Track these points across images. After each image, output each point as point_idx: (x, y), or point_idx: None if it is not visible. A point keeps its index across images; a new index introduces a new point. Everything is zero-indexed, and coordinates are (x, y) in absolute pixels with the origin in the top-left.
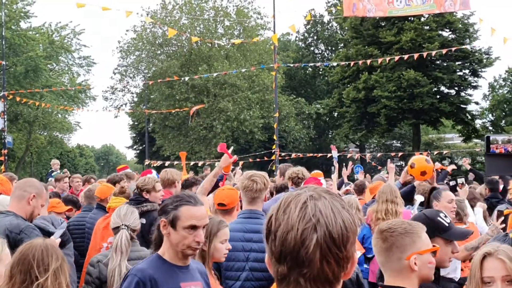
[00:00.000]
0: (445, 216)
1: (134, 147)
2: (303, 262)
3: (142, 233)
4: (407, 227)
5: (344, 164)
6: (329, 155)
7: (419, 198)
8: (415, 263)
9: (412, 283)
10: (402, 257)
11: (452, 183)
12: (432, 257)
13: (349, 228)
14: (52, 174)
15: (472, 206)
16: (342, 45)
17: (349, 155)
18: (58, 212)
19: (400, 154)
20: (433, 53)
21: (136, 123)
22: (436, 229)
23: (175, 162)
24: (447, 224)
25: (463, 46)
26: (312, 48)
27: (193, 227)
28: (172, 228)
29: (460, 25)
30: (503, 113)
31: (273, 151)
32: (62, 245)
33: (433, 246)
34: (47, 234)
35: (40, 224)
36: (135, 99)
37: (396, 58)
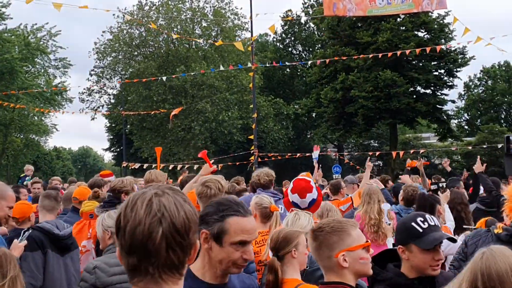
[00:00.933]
0: (423, 221)
1: (112, 149)
2: (151, 252)
3: None
4: (335, 225)
5: (322, 165)
6: (307, 154)
7: (386, 207)
8: (344, 260)
9: (347, 279)
10: (331, 255)
11: (433, 187)
12: (365, 253)
13: (191, 219)
14: (26, 179)
15: (459, 211)
16: (319, 45)
17: (321, 153)
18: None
19: (377, 153)
20: (407, 52)
21: (113, 125)
22: (408, 235)
23: (153, 165)
24: (421, 230)
25: (438, 46)
26: (290, 49)
27: (243, 243)
28: (215, 243)
29: (435, 26)
30: (479, 112)
31: (251, 152)
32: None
33: (366, 242)
34: (53, 236)
35: (46, 226)
36: (112, 101)
37: (371, 56)
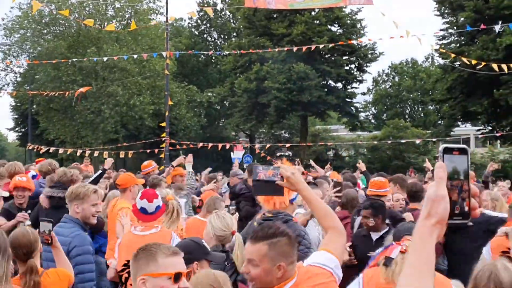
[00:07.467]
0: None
1: (16, 129)
2: None
3: None
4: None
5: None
6: (219, 144)
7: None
8: (142, 283)
9: None
10: (136, 277)
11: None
12: (169, 283)
13: None
14: None
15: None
16: (234, 34)
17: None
18: None
19: (288, 144)
20: (321, 46)
21: (18, 105)
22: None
23: (61, 150)
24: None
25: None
26: (205, 36)
27: None
28: None
29: (347, 21)
30: (385, 107)
31: (163, 139)
32: None
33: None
34: None
35: None
36: (19, 79)
37: (286, 48)
